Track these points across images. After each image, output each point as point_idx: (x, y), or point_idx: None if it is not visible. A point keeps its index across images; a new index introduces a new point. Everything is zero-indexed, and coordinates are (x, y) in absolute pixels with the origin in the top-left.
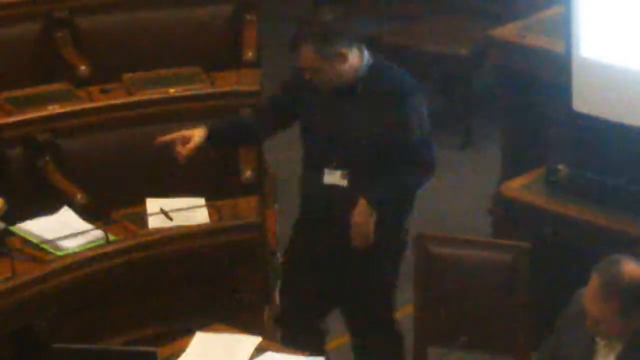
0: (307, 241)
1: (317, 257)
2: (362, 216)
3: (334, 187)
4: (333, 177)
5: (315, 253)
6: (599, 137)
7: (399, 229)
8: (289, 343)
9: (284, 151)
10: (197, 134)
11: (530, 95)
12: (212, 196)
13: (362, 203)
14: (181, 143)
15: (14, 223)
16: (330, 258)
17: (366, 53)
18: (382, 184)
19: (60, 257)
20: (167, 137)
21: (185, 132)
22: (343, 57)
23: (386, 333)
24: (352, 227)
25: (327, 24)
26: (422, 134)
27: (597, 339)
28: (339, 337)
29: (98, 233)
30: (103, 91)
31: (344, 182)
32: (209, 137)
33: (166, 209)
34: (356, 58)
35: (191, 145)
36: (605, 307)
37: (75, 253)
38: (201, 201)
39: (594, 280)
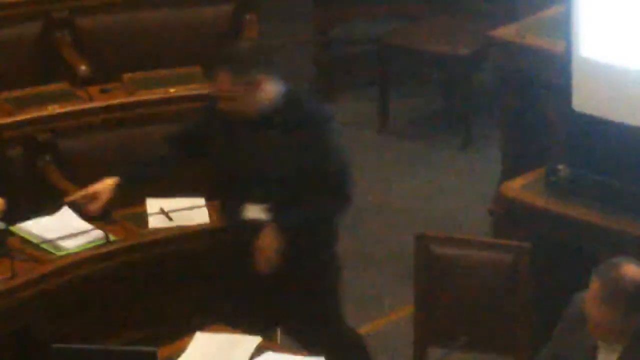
0: (235, 273)
1: (248, 287)
2: (267, 240)
3: (256, 222)
4: (255, 212)
5: (247, 284)
6: (599, 137)
7: (324, 257)
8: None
9: None
10: (106, 189)
11: (530, 95)
12: (212, 196)
13: (269, 227)
14: (89, 200)
15: (14, 223)
16: (259, 288)
17: (282, 83)
18: (293, 211)
19: (60, 257)
20: (73, 197)
21: (92, 190)
22: (259, 86)
23: (339, 349)
24: (256, 251)
25: (245, 52)
26: (340, 163)
27: (599, 342)
28: None
29: (98, 233)
30: (103, 91)
31: (266, 216)
32: (122, 186)
33: (166, 209)
34: (272, 88)
35: (98, 204)
36: (607, 311)
37: (75, 253)
38: (201, 201)
39: (595, 285)
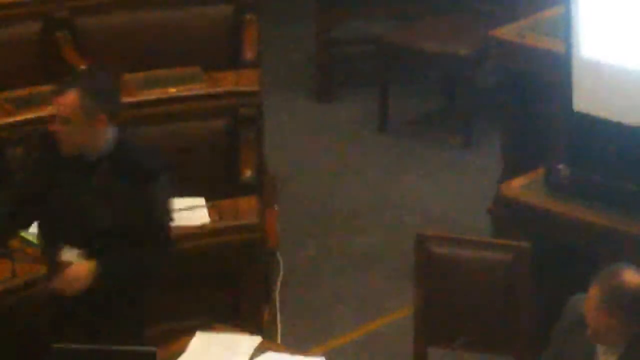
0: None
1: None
2: (80, 268)
3: (69, 265)
4: (70, 256)
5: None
6: (599, 137)
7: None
8: None
9: (284, 151)
10: None
11: (530, 95)
12: (212, 196)
13: (90, 261)
14: None
15: None
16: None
17: (114, 130)
18: (114, 260)
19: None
20: None
21: None
22: (99, 122)
23: None
24: (63, 272)
25: (103, 84)
26: (165, 215)
27: (598, 345)
28: (339, 337)
29: None
30: None
31: (81, 262)
32: None
33: None
34: (107, 132)
35: None
36: (606, 317)
37: None
38: (201, 201)
39: (595, 292)
